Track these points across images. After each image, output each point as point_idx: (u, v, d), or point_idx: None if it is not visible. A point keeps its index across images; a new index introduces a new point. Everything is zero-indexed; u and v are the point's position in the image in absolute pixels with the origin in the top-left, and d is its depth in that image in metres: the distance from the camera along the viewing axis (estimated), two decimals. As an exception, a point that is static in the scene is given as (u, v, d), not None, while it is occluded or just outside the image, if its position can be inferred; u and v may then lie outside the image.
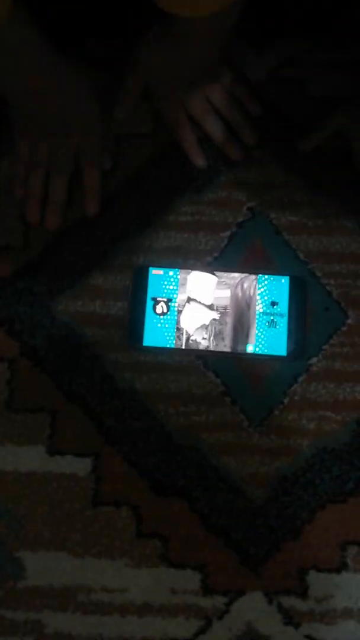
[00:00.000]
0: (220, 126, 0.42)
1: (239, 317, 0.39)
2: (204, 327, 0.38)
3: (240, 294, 0.39)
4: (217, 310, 0.39)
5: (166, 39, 0.37)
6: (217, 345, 0.39)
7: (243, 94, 0.42)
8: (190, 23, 0.33)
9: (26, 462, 0.37)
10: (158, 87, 0.41)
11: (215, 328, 0.39)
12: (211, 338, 0.39)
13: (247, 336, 0.39)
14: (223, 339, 0.39)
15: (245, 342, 0.39)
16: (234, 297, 0.39)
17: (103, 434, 0.38)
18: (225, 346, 0.39)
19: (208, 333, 0.39)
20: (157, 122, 0.43)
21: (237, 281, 0.39)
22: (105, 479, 0.37)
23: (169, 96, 0.41)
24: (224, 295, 0.39)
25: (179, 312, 0.38)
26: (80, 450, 0.37)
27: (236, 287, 0.39)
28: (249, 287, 0.39)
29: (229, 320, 0.39)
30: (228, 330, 0.39)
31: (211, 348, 0.39)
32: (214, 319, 0.38)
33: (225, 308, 0.39)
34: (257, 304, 0.39)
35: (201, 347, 0.39)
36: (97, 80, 0.41)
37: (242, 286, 0.39)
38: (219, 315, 0.38)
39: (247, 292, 0.39)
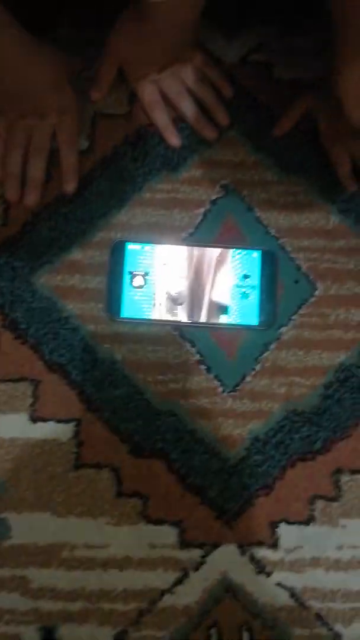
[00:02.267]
0: (194, 107, 0.43)
1: (211, 289, 0.41)
2: (178, 298, 0.40)
3: (212, 268, 0.41)
4: (190, 282, 0.41)
5: (137, 22, 0.39)
6: (192, 316, 0.41)
7: (215, 77, 0.44)
8: (158, 7, 0.35)
9: (9, 429, 0.39)
10: (131, 69, 0.43)
11: (190, 300, 0.41)
12: (187, 309, 0.41)
13: (220, 307, 0.41)
14: (198, 310, 0.41)
15: (219, 313, 0.41)
16: (206, 270, 0.41)
17: (84, 402, 0.40)
18: (200, 317, 0.41)
19: (183, 305, 0.41)
20: (132, 103, 0.44)
21: (210, 255, 0.41)
22: (87, 444, 0.39)
23: (143, 78, 0.42)
24: (197, 269, 0.41)
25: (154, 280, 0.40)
26: (62, 416, 0.39)
27: (209, 260, 0.41)
28: (223, 260, 0.41)
29: (203, 292, 0.41)
30: (202, 302, 0.41)
31: (187, 319, 0.41)
32: (188, 291, 0.40)
33: (198, 281, 0.41)
34: (230, 276, 0.41)
35: (177, 318, 0.41)
36: (71, 63, 0.42)
37: (214, 260, 0.41)
38: (191, 286, 0.40)
39: (221, 265, 0.41)
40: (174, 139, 0.43)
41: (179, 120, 0.44)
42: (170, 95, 0.43)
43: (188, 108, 0.43)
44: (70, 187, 0.42)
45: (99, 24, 0.42)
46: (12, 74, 0.37)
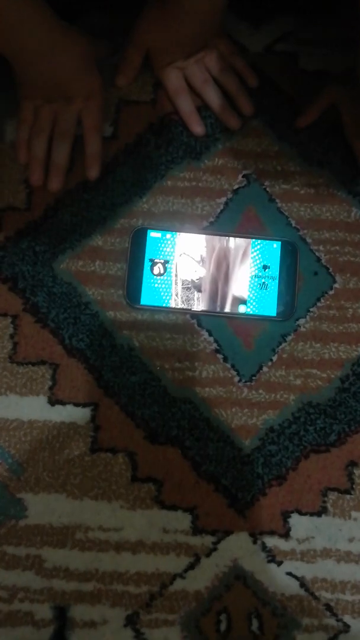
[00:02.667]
0: (219, 95, 0.43)
1: (230, 279, 0.41)
2: (199, 285, 0.41)
3: (232, 257, 0.41)
4: (209, 271, 0.41)
5: (162, 9, 0.38)
6: (210, 305, 0.41)
7: (240, 66, 0.44)
8: None
9: (28, 411, 0.39)
10: (157, 56, 0.43)
11: (208, 289, 0.41)
12: (205, 298, 0.41)
13: (239, 297, 0.41)
14: (216, 299, 0.41)
15: (238, 303, 0.41)
16: (226, 259, 0.41)
17: (102, 387, 0.40)
18: (218, 306, 0.41)
19: (202, 293, 0.41)
20: (157, 91, 0.44)
21: (230, 245, 0.41)
22: (103, 428, 0.39)
23: (168, 65, 0.42)
24: (217, 258, 0.41)
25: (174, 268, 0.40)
26: (79, 400, 0.40)
27: (229, 250, 0.41)
28: (243, 250, 0.41)
29: (222, 281, 0.41)
30: (221, 291, 0.41)
31: (205, 308, 0.41)
32: (207, 279, 0.40)
33: (218, 270, 0.41)
34: (250, 266, 0.41)
35: (195, 307, 0.41)
36: (99, 49, 0.42)
37: (235, 249, 0.41)
38: (211, 275, 0.40)
39: (240, 255, 0.41)
40: (197, 127, 0.43)
41: (203, 108, 0.44)
42: (195, 83, 0.43)
43: (212, 96, 0.43)
44: (93, 173, 0.42)
45: (127, 10, 0.42)
46: (40, 57, 0.37)
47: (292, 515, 0.39)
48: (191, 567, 0.38)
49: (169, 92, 0.43)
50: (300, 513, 0.39)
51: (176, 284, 0.41)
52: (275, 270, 0.41)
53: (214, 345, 0.41)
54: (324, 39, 0.45)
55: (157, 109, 0.44)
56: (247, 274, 0.41)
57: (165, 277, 0.41)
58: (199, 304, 0.41)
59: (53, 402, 0.40)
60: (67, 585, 0.38)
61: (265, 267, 0.41)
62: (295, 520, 0.38)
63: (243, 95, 0.43)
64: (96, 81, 0.41)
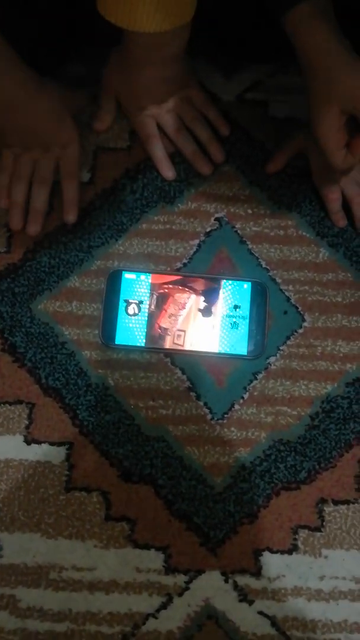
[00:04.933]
0: (191, 143, 0.45)
1: (202, 319, 0.42)
2: (170, 326, 0.42)
3: (204, 297, 0.43)
4: (182, 310, 0.42)
5: (125, 59, 0.41)
6: (183, 344, 0.42)
7: (213, 115, 0.46)
8: (137, 42, 0.37)
9: (4, 450, 0.40)
10: (126, 102, 0.45)
11: (181, 328, 0.42)
12: (178, 337, 0.42)
13: (210, 336, 0.42)
14: (189, 338, 0.42)
15: (209, 342, 0.42)
16: (199, 299, 0.43)
17: (77, 425, 0.41)
18: (191, 345, 0.42)
19: (175, 333, 0.42)
20: (133, 138, 0.46)
21: (202, 285, 0.43)
22: (78, 467, 0.40)
23: (140, 111, 0.44)
24: (190, 298, 0.43)
25: (153, 313, 0.41)
26: (55, 439, 0.40)
27: (201, 290, 0.43)
28: (214, 291, 0.43)
29: (194, 321, 0.42)
30: (194, 330, 0.42)
31: (178, 347, 0.42)
32: (180, 319, 0.42)
33: (190, 310, 0.42)
34: (221, 306, 0.43)
35: (168, 346, 0.42)
36: (76, 98, 0.45)
37: (207, 290, 0.43)
38: (183, 315, 0.42)
39: (212, 296, 0.42)
40: (168, 172, 0.45)
41: (176, 154, 0.46)
42: (168, 130, 0.45)
43: (185, 144, 0.45)
44: (70, 217, 0.44)
45: (101, 59, 0.44)
46: (17, 111, 0.39)
47: (263, 553, 0.39)
48: (164, 606, 0.38)
49: (142, 139, 0.45)
50: (272, 551, 0.39)
51: (150, 323, 0.42)
52: (246, 309, 0.43)
53: (187, 384, 0.42)
54: (292, 86, 0.48)
55: (133, 155, 0.46)
56: (219, 314, 0.42)
57: (139, 317, 0.42)
58: (172, 343, 0.42)
59: (29, 441, 0.41)
60: (41, 626, 0.38)
61: (236, 307, 0.43)
62: (266, 558, 0.39)
63: (215, 144, 0.45)
64: (72, 130, 0.43)
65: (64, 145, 0.43)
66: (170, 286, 0.43)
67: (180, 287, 0.43)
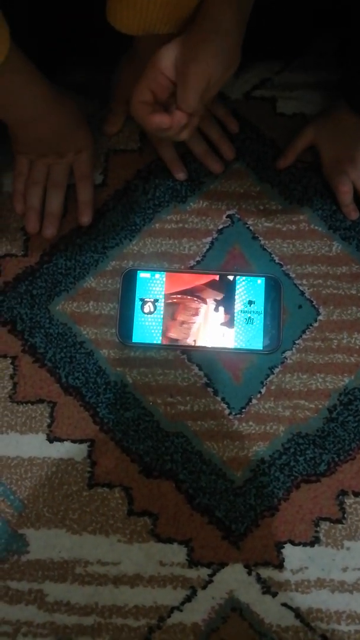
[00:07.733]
0: (202, 143, 0.46)
1: (218, 315, 0.43)
2: (189, 324, 0.42)
3: (219, 294, 0.43)
4: (198, 307, 0.42)
5: (134, 63, 0.41)
6: (199, 340, 0.42)
7: (222, 114, 0.46)
8: (145, 45, 0.37)
9: (28, 448, 0.41)
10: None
11: (197, 325, 0.43)
12: (194, 334, 0.43)
13: (226, 332, 0.42)
14: (205, 334, 0.43)
15: (225, 338, 0.42)
16: (213, 296, 0.43)
17: (97, 423, 0.42)
18: (208, 341, 0.43)
19: (191, 329, 0.43)
20: (143, 139, 0.47)
21: (216, 282, 0.43)
22: (100, 463, 0.41)
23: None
24: (205, 295, 0.43)
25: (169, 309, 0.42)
26: (76, 437, 0.41)
27: (215, 287, 0.43)
28: (228, 287, 0.43)
29: (210, 317, 0.43)
30: (209, 327, 0.43)
31: (194, 343, 0.42)
32: (195, 316, 0.42)
33: (206, 306, 0.43)
34: (236, 302, 0.43)
35: (185, 343, 0.42)
36: (86, 104, 0.45)
37: (221, 286, 0.43)
38: (199, 311, 0.42)
39: (226, 292, 0.43)
40: (179, 173, 0.45)
41: (187, 154, 0.46)
42: (179, 132, 0.46)
43: (196, 144, 0.45)
44: (85, 219, 0.45)
45: (109, 65, 0.45)
46: (38, 124, 0.40)
47: (285, 545, 0.39)
48: (188, 599, 0.39)
49: (153, 141, 0.46)
50: (294, 543, 0.39)
51: (166, 321, 0.43)
52: (260, 305, 0.43)
53: (204, 380, 0.42)
54: (299, 82, 0.48)
55: (144, 157, 0.47)
56: (234, 310, 0.43)
57: (155, 315, 0.43)
58: (189, 340, 0.42)
59: (51, 439, 0.41)
60: (69, 619, 0.39)
61: (250, 303, 0.43)
62: (288, 550, 0.39)
63: (225, 142, 0.45)
64: (87, 135, 0.44)
65: (79, 150, 0.44)
66: (185, 283, 0.43)
67: (194, 284, 0.43)
